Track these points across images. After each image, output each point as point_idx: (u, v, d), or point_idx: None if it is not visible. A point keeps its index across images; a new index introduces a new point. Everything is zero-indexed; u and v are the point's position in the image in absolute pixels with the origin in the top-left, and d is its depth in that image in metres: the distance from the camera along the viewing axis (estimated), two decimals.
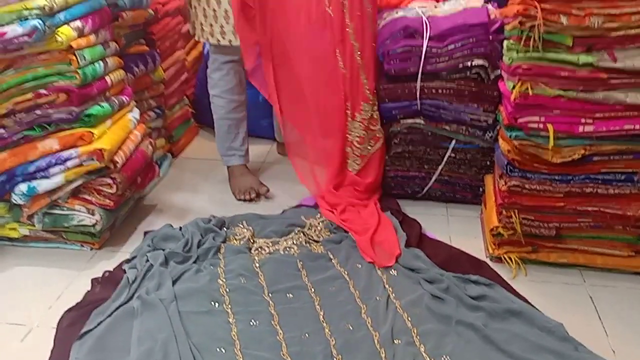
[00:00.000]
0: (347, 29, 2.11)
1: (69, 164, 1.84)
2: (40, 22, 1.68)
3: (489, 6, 2.15)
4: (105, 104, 1.95)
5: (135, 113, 2.12)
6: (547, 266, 1.88)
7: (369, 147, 2.22)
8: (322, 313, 1.63)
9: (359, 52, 2.13)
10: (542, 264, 1.88)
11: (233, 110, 2.34)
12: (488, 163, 2.16)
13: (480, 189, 2.20)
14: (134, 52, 2.34)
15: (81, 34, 1.82)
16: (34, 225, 1.95)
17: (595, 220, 1.78)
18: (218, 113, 2.37)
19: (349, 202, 2.17)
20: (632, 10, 1.55)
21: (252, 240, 1.97)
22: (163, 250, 1.88)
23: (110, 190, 1.93)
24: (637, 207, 1.73)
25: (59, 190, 1.89)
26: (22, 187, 1.85)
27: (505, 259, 1.88)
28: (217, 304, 1.65)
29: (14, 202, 1.89)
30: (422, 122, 2.15)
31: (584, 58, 1.61)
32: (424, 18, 2.10)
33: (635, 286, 1.80)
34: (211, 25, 2.17)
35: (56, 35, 1.73)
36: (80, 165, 1.86)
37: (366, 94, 2.16)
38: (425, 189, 2.25)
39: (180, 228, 2.03)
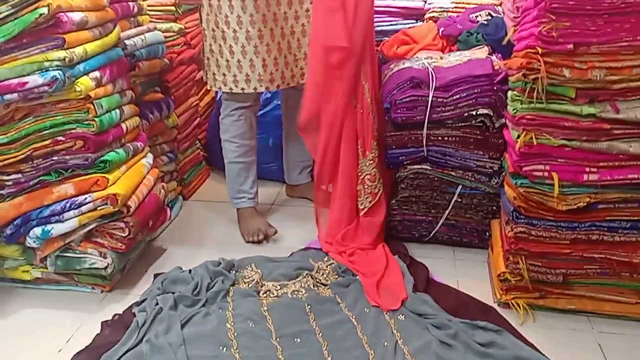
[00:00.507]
0: (360, 70, 2.16)
1: (84, 208, 1.88)
2: (60, 72, 1.74)
3: (493, 57, 2.20)
4: (120, 150, 1.99)
5: (149, 158, 2.17)
6: (555, 312, 1.88)
7: (380, 185, 2.25)
8: (329, 358, 1.63)
9: (368, 91, 2.18)
10: (550, 310, 1.88)
11: (243, 154, 2.40)
12: (494, 208, 2.17)
13: (487, 234, 2.21)
14: (149, 99, 2.41)
15: (99, 84, 1.88)
16: (47, 268, 1.98)
17: (602, 267, 1.79)
18: (229, 157, 2.42)
19: (358, 245, 2.19)
20: (633, 64, 1.60)
21: (260, 284, 1.99)
22: (172, 293, 1.89)
23: (122, 234, 1.96)
24: None
25: (73, 233, 1.92)
26: (37, 231, 1.88)
27: (513, 304, 1.88)
28: (225, 349, 1.66)
29: (28, 245, 1.92)
30: (429, 167, 2.18)
31: (587, 109, 1.64)
32: (430, 69, 2.16)
33: None
34: (224, 74, 2.25)
35: (75, 86, 1.79)
36: (95, 209, 1.89)
37: (374, 133, 2.21)
38: (432, 232, 2.26)
39: (190, 271, 2.05)
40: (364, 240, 2.21)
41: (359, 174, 2.23)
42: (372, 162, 2.22)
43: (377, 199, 2.24)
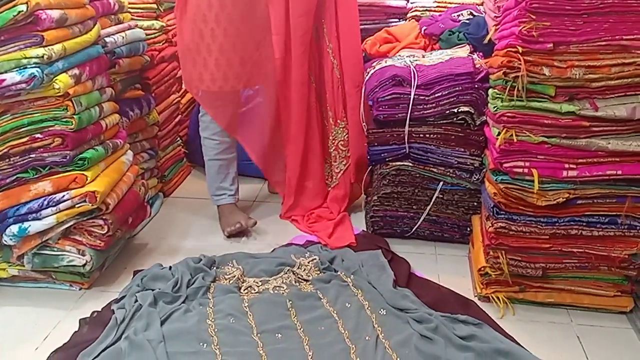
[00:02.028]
0: (328, 49, 2.37)
1: (61, 206, 1.85)
2: (39, 70, 1.71)
3: (475, 56, 2.23)
4: (99, 148, 1.97)
5: (129, 155, 2.15)
6: (535, 306, 1.91)
7: (342, 166, 2.51)
8: (310, 353, 1.63)
9: (336, 66, 2.39)
10: (530, 303, 1.91)
11: (223, 151, 2.40)
12: (475, 204, 2.20)
13: (468, 229, 2.24)
14: (130, 96, 2.39)
15: (78, 81, 1.85)
16: (24, 266, 1.95)
17: (580, 261, 1.82)
18: (209, 154, 2.42)
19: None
20: (611, 63, 1.62)
21: (241, 280, 1.98)
22: (152, 290, 1.88)
23: (101, 231, 1.94)
24: (622, 248, 1.77)
25: (50, 231, 1.90)
26: (14, 229, 1.86)
27: (493, 298, 1.90)
28: (205, 345, 1.65)
29: (5, 242, 1.89)
30: (411, 164, 2.19)
31: (566, 107, 1.66)
32: (412, 67, 2.18)
33: (622, 326, 1.83)
34: (201, 73, 2.23)
35: (54, 83, 1.76)
36: (73, 207, 1.87)
37: (345, 102, 2.41)
38: (414, 228, 2.28)
39: (170, 267, 2.03)
40: (329, 215, 2.47)
41: (333, 140, 2.49)
42: (344, 129, 2.46)
43: (349, 162, 2.49)
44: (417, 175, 2.20)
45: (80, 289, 2.01)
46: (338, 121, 2.46)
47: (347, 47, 2.37)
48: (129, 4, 2.42)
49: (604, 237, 1.77)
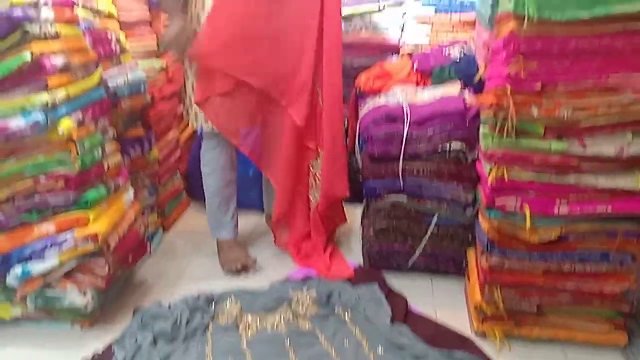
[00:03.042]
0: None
1: (64, 247, 1.88)
2: (43, 115, 1.75)
3: (466, 93, 2.28)
4: (101, 188, 2.00)
5: (130, 194, 2.18)
6: (531, 341, 1.92)
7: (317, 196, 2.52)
8: None
9: (321, 99, 2.31)
10: (526, 339, 1.92)
11: (224, 187, 2.43)
12: (470, 237, 2.23)
13: (464, 262, 2.26)
14: (131, 135, 2.43)
15: (81, 124, 1.89)
16: (26, 306, 1.97)
17: (574, 296, 1.83)
18: (209, 190, 2.45)
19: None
20: (598, 102, 1.64)
21: (240, 317, 2.00)
22: (152, 328, 1.89)
23: (102, 271, 1.96)
24: (614, 284, 1.79)
25: (53, 272, 1.92)
26: (17, 270, 1.88)
27: (489, 334, 1.92)
28: None
29: (8, 284, 1.91)
30: (405, 199, 2.23)
31: (555, 145, 1.69)
32: (405, 105, 2.23)
33: None
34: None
35: (57, 127, 1.80)
36: (75, 248, 1.89)
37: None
38: (410, 262, 2.31)
39: (169, 305, 2.05)
40: (315, 238, 2.49)
41: (311, 169, 2.45)
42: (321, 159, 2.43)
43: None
44: (412, 209, 2.24)
45: (82, 328, 2.03)
46: (319, 152, 2.41)
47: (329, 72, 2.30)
48: (130, 45, 2.47)
49: (596, 273, 1.79)
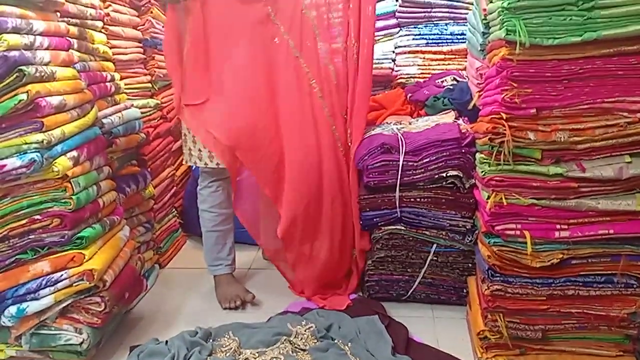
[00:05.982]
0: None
1: (59, 285, 1.85)
2: (39, 154, 1.75)
3: (460, 121, 2.29)
4: (97, 225, 1.99)
5: (126, 231, 2.16)
6: None
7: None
8: None
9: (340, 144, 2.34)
10: None
11: (221, 223, 2.42)
12: (470, 265, 2.21)
13: (464, 290, 2.24)
14: (126, 173, 2.43)
15: (77, 163, 1.89)
16: (21, 346, 1.93)
17: (580, 321, 1.81)
18: (206, 226, 2.44)
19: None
20: (595, 125, 1.65)
21: (238, 352, 1.96)
22: None
23: (98, 309, 1.93)
24: (620, 307, 1.76)
25: (48, 310, 1.89)
26: (12, 310, 1.85)
27: None
28: None
29: (3, 324, 1.87)
30: (403, 228, 2.22)
31: (553, 169, 1.69)
32: (400, 135, 2.24)
33: None
34: (200, 150, 2.30)
35: (53, 166, 1.79)
36: (70, 286, 1.87)
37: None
38: (410, 291, 2.28)
39: (167, 342, 2.01)
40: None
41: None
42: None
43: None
44: (410, 238, 2.23)
45: None
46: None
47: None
48: (125, 84, 2.50)
49: (601, 297, 1.77)
